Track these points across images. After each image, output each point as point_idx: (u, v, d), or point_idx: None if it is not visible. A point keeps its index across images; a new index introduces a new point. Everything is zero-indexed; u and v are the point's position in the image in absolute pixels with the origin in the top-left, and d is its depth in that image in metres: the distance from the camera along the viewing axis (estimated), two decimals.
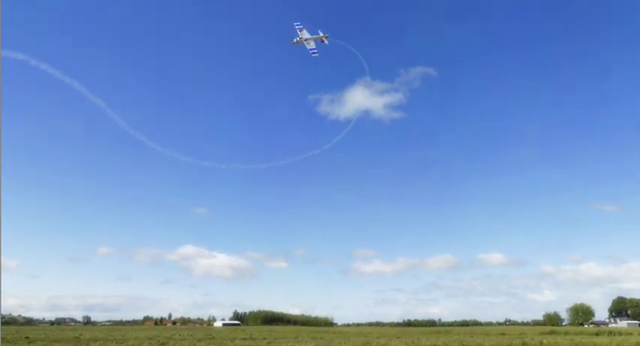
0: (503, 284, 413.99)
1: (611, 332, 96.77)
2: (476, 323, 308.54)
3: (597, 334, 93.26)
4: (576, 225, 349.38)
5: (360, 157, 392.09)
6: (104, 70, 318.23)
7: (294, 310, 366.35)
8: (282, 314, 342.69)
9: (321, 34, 55.02)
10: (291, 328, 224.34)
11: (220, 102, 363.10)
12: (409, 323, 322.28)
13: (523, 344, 49.83)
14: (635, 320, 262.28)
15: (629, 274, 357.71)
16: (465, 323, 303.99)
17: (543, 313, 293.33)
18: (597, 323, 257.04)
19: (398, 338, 71.57)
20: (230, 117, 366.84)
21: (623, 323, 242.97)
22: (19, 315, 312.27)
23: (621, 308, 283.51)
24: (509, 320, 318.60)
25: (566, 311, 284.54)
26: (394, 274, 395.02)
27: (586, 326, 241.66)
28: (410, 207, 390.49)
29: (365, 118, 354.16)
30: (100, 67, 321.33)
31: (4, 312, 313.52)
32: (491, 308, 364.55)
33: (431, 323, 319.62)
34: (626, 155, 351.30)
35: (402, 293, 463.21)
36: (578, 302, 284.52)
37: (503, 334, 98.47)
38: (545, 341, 55.28)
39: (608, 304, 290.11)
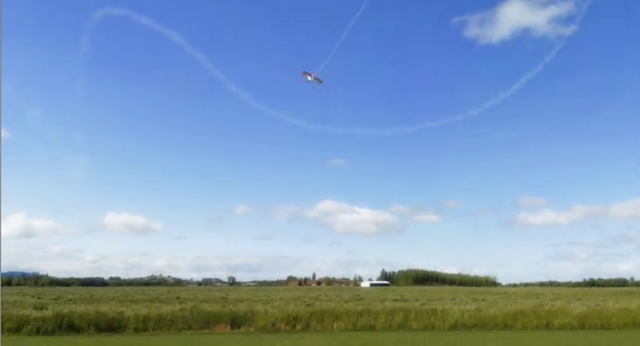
0: None
1: None
2: None
3: None
4: None
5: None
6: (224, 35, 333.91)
7: (449, 268, 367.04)
8: (436, 273, 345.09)
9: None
10: (446, 288, 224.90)
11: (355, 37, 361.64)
12: (592, 283, 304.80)
13: None
14: None
15: None
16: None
17: None
18: None
19: (578, 299, 67.61)
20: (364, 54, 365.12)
21: None
22: (169, 276, 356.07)
23: None
24: None
25: None
26: (570, 225, 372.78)
27: None
28: (589, 141, 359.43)
29: (525, 38, 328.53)
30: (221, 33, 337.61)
31: (155, 273, 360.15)
32: None
33: (621, 283, 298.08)
34: None
35: (582, 247, 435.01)
36: None
37: None
38: None
39: None
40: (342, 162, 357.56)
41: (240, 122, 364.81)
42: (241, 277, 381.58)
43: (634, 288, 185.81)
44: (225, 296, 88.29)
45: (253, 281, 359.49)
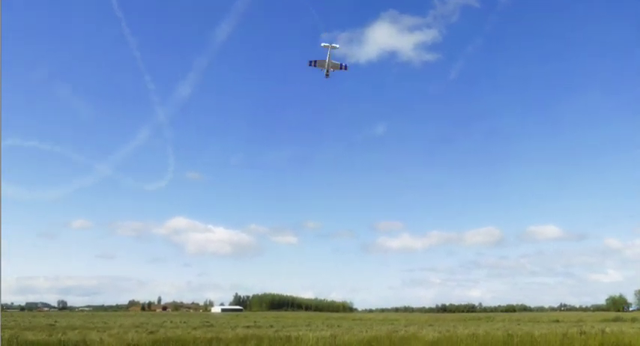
0: (558, 262, 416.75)
1: None
2: (524, 309, 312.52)
3: None
4: None
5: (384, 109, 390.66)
6: None
7: (305, 293, 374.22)
8: (292, 297, 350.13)
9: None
10: (302, 314, 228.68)
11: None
12: (444, 309, 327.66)
13: (581, 333, 49.58)
14: None
15: None
16: (510, 309, 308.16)
17: (606, 297, 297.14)
18: None
19: (430, 325, 72.06)
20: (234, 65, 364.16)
21: None
22: None
23: None
24: (565, 305, 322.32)
25: (635, 295, 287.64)
26: (426, 251, 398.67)
27: None
28: (445, 170, 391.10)
29: (390, 61, 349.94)
30: None
31: None
32: (543, 291, 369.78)
33: (470, 309, 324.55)
34: None
35: (436, 273, 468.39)
36: None
37: (557, 321, 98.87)
38: (607, 329, 55.05)
39: None
40: (198, 175, 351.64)
41: None
42: (74, 301, 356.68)
43: (481, 314, 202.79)
44: (53, 322, 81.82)
45: (88, 306, 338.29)
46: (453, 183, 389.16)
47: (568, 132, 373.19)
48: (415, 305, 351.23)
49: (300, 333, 46.19)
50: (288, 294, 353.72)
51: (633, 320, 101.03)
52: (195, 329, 57.14)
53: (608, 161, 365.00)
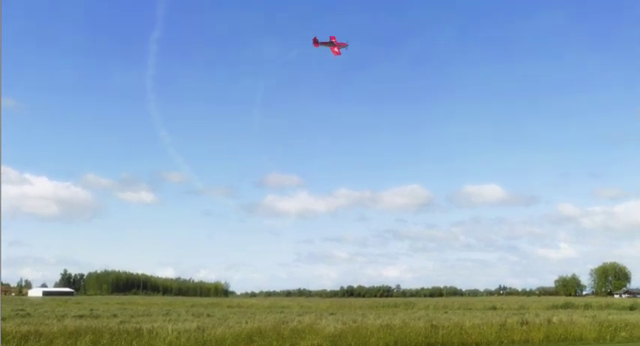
0: (500, 233, 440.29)
1: None
2: (454, 293, 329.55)
3: (632, 308, 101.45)
4: (616, 143, 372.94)
5: None
6: None
7: (164, 271, 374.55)
8: (145, 276, 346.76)
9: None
10: (159, 299, 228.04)
11: None
12: (351, 292, 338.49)
13: (522, 323, 53.09)
14: None
15: None
16: (437, 292, 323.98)
17: (556, 277, 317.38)
18: (634, 293, 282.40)
19: (332, 314, 74.12)
20: None
21: None
22: None
23: None
24: (505, 288, 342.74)
25: (590, 275, 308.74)
26: (330, 215, 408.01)
27: (617, 296, 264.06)
28: (357, 105, 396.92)
29: None
30: None
31: None
32: (478, 270, 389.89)
33: (385, 292, 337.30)
34: None
35: (342, 246, 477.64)
36: (609, 260, 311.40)
37: (495, 308, 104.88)
38: (555, 318, 59.21)
39: None
40: (12, 103, 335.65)
41: None
42: None
43: (400, 299, 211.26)
44: None
45: None
46: (367, 122, 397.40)
47: (520, 61, 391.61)
48: (314, 287, 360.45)
49: (156, 325, 46.10)
50: (140, 272, 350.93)
51: (586, 306, 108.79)
52: (3, 320, 55.52)
53: (569, 103, 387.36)
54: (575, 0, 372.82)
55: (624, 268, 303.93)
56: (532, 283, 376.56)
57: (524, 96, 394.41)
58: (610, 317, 63.32)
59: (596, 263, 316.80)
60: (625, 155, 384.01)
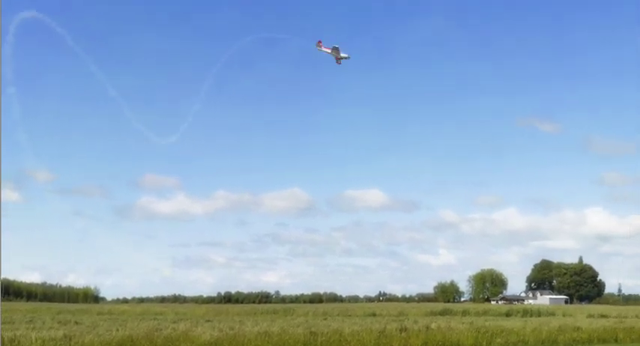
0: (380, 239, 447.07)
1: (527, 312, 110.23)
2: (334, 299, 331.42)
3: (508, 314, 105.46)
4: (496, 152, 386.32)
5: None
6: None
7: (29, 276, 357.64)
8: (7, 281, 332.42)
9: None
10: (21, 305, 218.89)
11: None
12: (228, 298, 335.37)
13: (401, 329, 54.01)
14: (560, 294, 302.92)
15: (561, 227, 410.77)
16: (316, 298, 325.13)
17: (435, 283, 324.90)
18: (510, 299, 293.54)
19: (209, 321, 73.29)
20: None
21: (544, 299, 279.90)
22: None
23: (545, 276, 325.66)
24: (385, 294, 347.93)
25: (468, 281, 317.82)
26: (208, 218, 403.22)
27: (494, 302, 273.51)
28: (235, 104, 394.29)
29: None
30: None
31: None
32: (359, 276, 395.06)
33: (264, 298, 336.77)
34: (578, 51, 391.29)
35: (221, 250, 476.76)
36: (486, 267, 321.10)
37: (374, 315, 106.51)
38: (433, 324, 60.66)
39: (528, 270, 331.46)
40: None
41: None
42: None
43: (279, 305, 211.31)
44: None
45: None
46: (247, 124, 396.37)
47: (400, 68, 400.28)
48: (190, 293, 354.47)
49: (18, 333, 44.19)
50: (2, 277, 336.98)
51: (464, 313, 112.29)
52: None
53: (449, 110, 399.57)
54: (454, 7, 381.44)
55: (501, 274, 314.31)
56: (412, 289, 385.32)
57: (404, 102, 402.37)
58: (487, 324, 65.45)
59: (474, 270, 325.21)
60: (504, 164, 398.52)
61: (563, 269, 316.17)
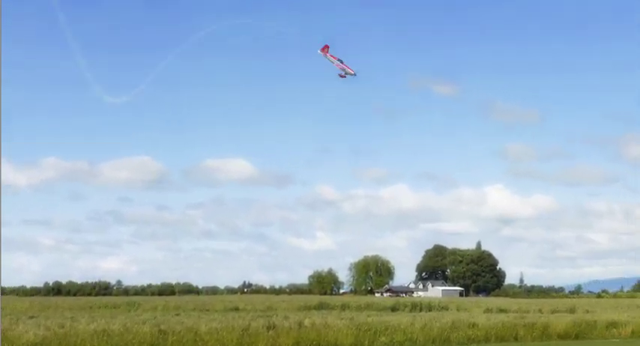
0: (246, 219, 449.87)
1: (416, 306, 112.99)
2: (188, 290, 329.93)
3: (394, 309, 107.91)
4: (385, 115, 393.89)
5: None
6: None
7: None
8: None
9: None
10: None
11: None
12: (58, 290, 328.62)
13: (268, 327, 54.89)
14: (454, 285, 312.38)
15: (457, 207, 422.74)
16: (168, 290, 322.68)
17: (310, 272, 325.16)
18: (397, 291, 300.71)
19: (32, 317, 72.22)
20: None
21: (436, 291, 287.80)
22: None
23: (437, 265, 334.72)
24: (251, 285, 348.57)
25: (349, 270, 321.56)
26: (33, 190, 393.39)
27: (379, 295, 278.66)
28: (67, 58, 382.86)
29: None
30: None
31: None
32: (219, 263, 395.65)
33: (102, 289, 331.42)
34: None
35: (49, 231, 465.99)
36: (371, 253, 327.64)
37: (237, 309, 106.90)
38: (307, 321, 61.64)
39: (418, 258, 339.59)
40: None
41: None
42: None
43: (121, 298, 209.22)
44: None
45: None
46: (81, 74, 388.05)
47: (274, 8, 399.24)
48: (9, 283, 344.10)
49: None
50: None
51: (343, 307, 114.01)
52: None
53: (326, 66, 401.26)
54: None
55: (387, 262, 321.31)
56: (282, 279, 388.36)
57: (276, 53, 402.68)
58: (369, 320, 67.04)
59: (356, 257, 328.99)
60: (394, 130, 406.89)
61: (459, 257, 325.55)
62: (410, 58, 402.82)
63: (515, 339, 60.42)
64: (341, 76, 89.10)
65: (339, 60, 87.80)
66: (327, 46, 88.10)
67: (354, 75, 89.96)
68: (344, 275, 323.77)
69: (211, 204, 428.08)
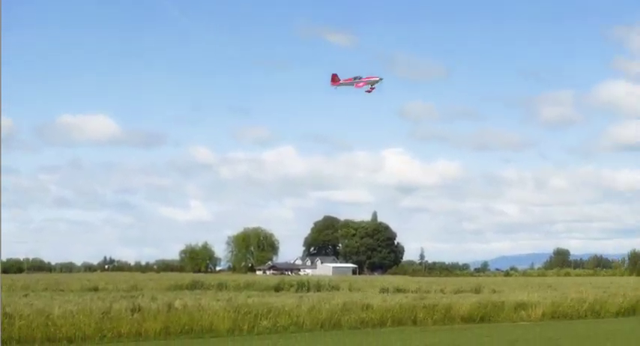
0: (108, 185, 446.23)
1: (303, 285, 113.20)
2: (39, 267, 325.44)
3: (278, 289, 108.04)
4: (270, 67, 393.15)
5: None
6: None
7: None
8: None
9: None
10: None
11: None
12: None
13: (133, 309, 53.64)
14: (347, 262, 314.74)
15: (351, 174, 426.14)
16: (15, 267, 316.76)
17: (182, 247, 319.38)
18: (282, 268, 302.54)
19: None
20: None
21: (326, 268, 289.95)
22: None
23: (328, 239, 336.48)
24: (113, 261, 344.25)
25: (227, 244, 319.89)
26: None
27: (261, 272, 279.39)
28: None
29: None
30: None
31: None
32: (76, 236, 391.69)
33: None
34: None
35: None
36: (252, 225, 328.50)
37: (96, 290, 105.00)
38: (177, 303, 60.47)
39: (307, 231, 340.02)
40: None
41: None
42: None
43: None
44: None
45: None
46: None
47: None
48: None
49: None
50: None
51: (220, 286, 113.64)
52: None
53: (217, 4, 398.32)
54: None
55: (271, 235, 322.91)
56: (150, 254, 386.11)
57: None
58: (249, 301, 66.51)
59: (235, 229, 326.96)
60: (279, 85, 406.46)
61: (352, 230, 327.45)
62: (298, 1, 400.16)
63: (414, 323, 60.25)
64: (369, 91, 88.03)
65: (354, 79, 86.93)
66: (334, 76, 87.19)
67: (381, 80, 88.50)
68: (221, 251, 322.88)
69: (67, 167, 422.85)
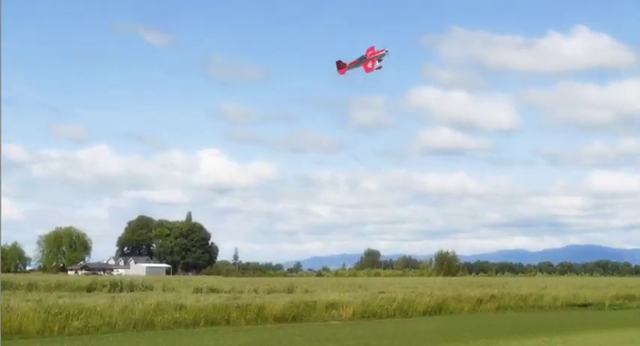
0: None
1: (115, 285, 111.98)
2: None
3: (90, 289, 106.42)
4: (87, 65, 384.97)
5: None
6: None
7: None
8: None
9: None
10: None
11: None
12: None
13: None
14: (161, 262, 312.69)
15: (167, 174, 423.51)
16: None
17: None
18: (94, 268, 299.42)
19: None
20: None
21: (140, 268, 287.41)
22: None
23: (142, 239, 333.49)
24: None
25: (38, 244, 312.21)
26: None
27: (73, 272, 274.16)
28: None
29: None
30: None
31: None
32: None
33: None
34: None
35: None
36: (64, 225, 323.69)
37: None
38: None
39: (121, 230, 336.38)
40: None
41: None
42: None
43: None
44: None
45: None
46: None
47: None
48: None
49: None
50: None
51: (30, 287, 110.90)
52: None
53: None
54: None
55: (83, 235, 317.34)
56: None
57: None
58: (60, 302, 65.45)
59: (47, 228, 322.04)
60: (93, 81, 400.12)
61: (166, 230, 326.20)
62: None
63: (228, 322, 60.55)
64: (379, 68, 79.47)
65: (359, 60, 79.33)
66: (339, 62, 79.43)
67: (387, 52, 79.04)
68: (31, 250, 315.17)
69: None
